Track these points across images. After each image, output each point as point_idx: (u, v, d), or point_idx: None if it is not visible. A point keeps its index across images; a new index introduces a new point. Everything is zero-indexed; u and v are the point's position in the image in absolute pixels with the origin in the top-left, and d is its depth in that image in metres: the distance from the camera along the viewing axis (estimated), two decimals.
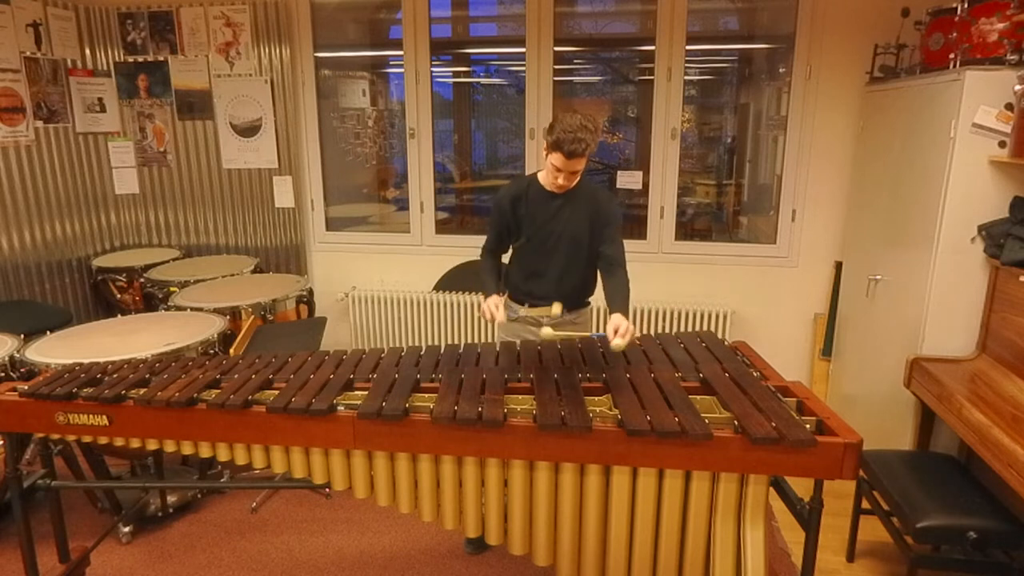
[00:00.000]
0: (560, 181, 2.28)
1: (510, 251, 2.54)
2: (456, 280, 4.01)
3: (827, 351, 3.64)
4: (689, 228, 4.02)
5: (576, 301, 2.52)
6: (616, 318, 2.05)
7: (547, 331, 2.12)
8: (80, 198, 4.02)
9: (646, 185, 3.81)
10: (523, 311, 2.50)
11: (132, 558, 2.61)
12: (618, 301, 2.24)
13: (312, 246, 4.27)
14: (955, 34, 2.58)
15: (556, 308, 2.37)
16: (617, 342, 1.95)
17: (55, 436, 2.00)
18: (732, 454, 1.56)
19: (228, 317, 3.05)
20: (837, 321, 3.57)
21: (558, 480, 1.70)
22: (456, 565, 2.54)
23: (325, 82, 4.18)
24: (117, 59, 4.09)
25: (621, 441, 1.59)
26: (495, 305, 2.27)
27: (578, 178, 2.33)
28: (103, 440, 1.93)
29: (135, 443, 1.92)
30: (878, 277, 3.05)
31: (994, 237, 2.46)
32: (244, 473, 3.03)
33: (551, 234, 2.39)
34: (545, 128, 2.24)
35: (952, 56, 2.58)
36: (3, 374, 2.54)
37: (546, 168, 2.31)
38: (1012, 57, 2.38)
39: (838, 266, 3.59)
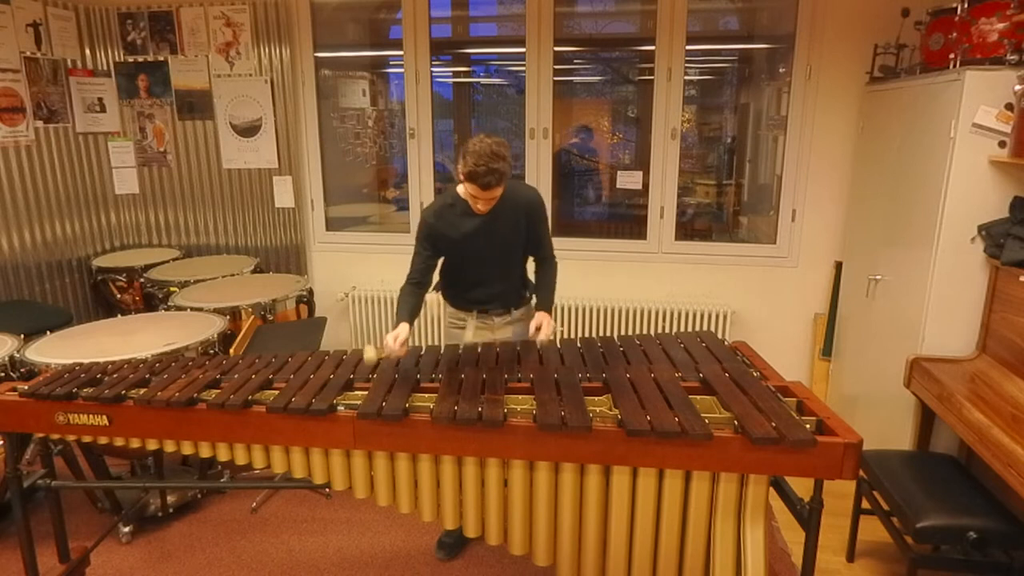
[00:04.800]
0: (480, 207, 2.24)
1: (436, 274, 2.46)
2: None
3: (827, 351, 3.64)
4: (689, 228, 4.02)
5: (519, 298, 2.52)
6: (539, 316, 2.28)
7: (468, 334, 2.12)
8: (80, 198, 4.02)
9: (646, 185, 3.81)
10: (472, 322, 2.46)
11: (132, 558, 2.61)
12: (545, 298, 2.42)
13: (312, 246, 4.27)
14: (955, 34, 2.58)
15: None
16: (542, 338, 2.16)
17: (55, 436, 2.00)
18: (732, 454, 1.56)
19: (228, 317, 3.05)
20: (837, 321, 3.57)
21: (558, 480, 1.70)
22: (457, 565, 2.54)
23: (325, 82, 4.18)
24: (117, 59, 4.09)
25: (621, 441, 1.59)
26: (395, 339, 2.07)
27: (496, 200, 2.26)
28: (103, 440, 1.93)
29: (135, 443, 1.92)
30: (878, 277, 3.05)
31: (994, 237, 2.46)
32: (244, 473, 3.03)
33: (486, 244, 2.34)
34: (460, 155, 2.16)
35: (952, 56, 2.58)
36: (3, 374, 2.54)
37: (464, 191, 2.26)
38: (1012, 57, 2.38)
39: (838, 266, 3.58)
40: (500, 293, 2.45)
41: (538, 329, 2.22)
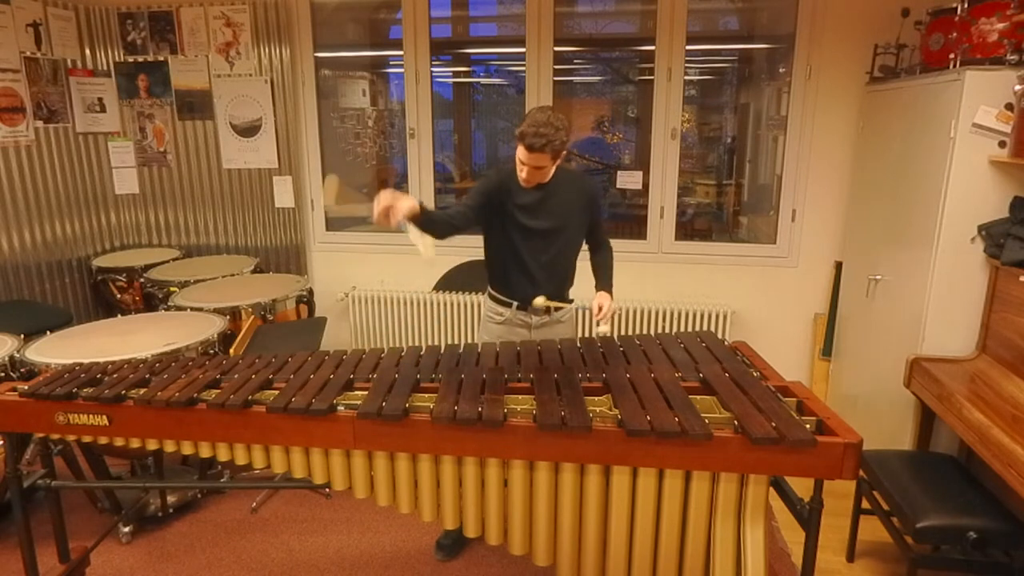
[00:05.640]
0: (523, 175, 2.25)
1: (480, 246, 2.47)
2: (456, 280, 4.01)
3: (827, 351, 3.64)
4: (689, 228, 4.02)
5: (561, 296, 2.49)
6: (601, 295, 2.37)
7: (540, 299, 2.20)
8: (80, 198, 4.02)
9: (646, 185, 3.81)
10: (510, 313, 2.47)
11: (132, 558, 2.61)
12: (605, 278, 2.50)
13: (312, 246, 4.27)
14: (955, 34, 2.58)
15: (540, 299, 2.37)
16: (603, 329, 2.15)
17: (55, 436, 2.00)
18: (732, 454, 1.56)
19: (228, 317, 3.05)
20: (837, 321, 3.57)
21: (558, 480, 1.70)
22: (457, 565, 2.54)
23: (325, 82, 4.18)
24: (117, 59, 4.09)
25: (621, 441, 1.59)
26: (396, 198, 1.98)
27: (545, 175, 2.28)
28: (103, 440, 1.93)
29: (135, 443, 1.92)
30: (878, 277, 3.05)
31: (994, 237, 2.46)
32: (244, 473, 3.03)
33: (539, 221, 2.33)
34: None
35: (952, 56, 2.58)
36: (3, 374, 2.54)
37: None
38: (1012, 57, 2.38)
39: (838, 266, 3.59)
40: (544, 283, 2.41)
41: (600, 309, 2.35)
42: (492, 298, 2.52)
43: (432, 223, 2.16)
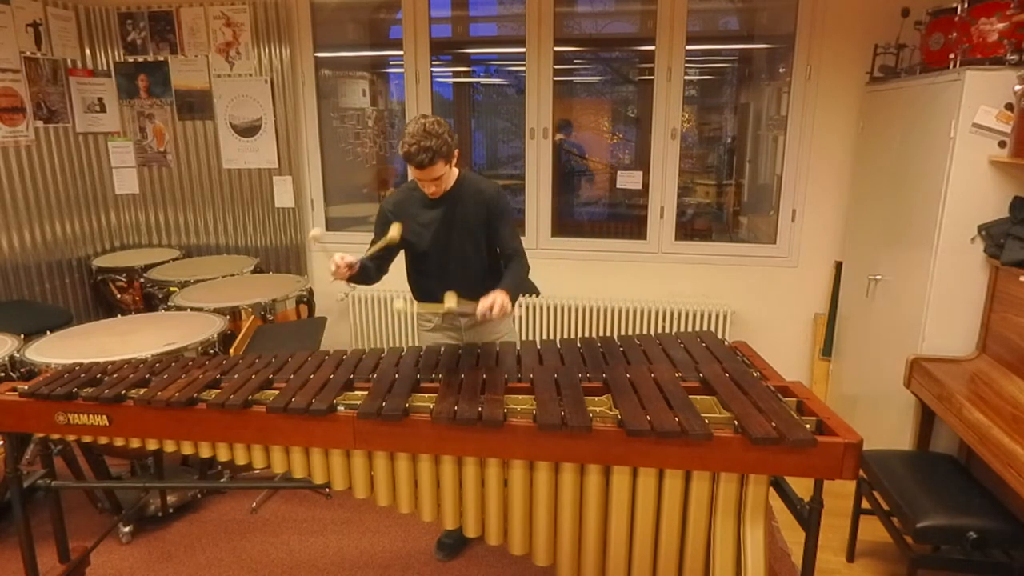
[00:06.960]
0: (428, 189, 2.23)
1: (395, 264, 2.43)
2: None
3: (827, 351, 3.64)
4: (689, 228, 4.02)
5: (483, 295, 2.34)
6: (494, 293, 2.11)
7: (451, 302, 2.03)
8: (80, 198, 4.02)
9: (646, 185, 3.81)
10: (419, 308, 2.45)
11: (132, 558, 2.61)
12: (506, 279, 2.29)
13: (312, 246, 4.27)
14: (955, 34, 2.58)
15: (450, 300, 2.10)
16: (483, 308, 2.03)
17: (55, 436, 2.00)
18: (732, 454, 1.56)
19: (228, 317, 3.05)
20: (837, 321, 3.57)
21: (558, 480, 1.70)
22: (456, 565, 2.54)
23: (325, 82, 4.18)
24: (117, 59, 4.09)
25: (621, 441, 1.59)
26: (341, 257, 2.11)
27: (448, 180, 2.25)
28: (103, 440, 1.93)
29: (135, 443, 1.92)
30: (878, 277, 3.05)
31: (994, 237, 2.46)
32: (244, 473, 3.03)
33: (446, 235, 2.30)
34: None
35: (952, 56, 2.58)
36: (3, 374, 2.54)
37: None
38: (1012, 57, 2.39)
39: (838, 266, 3.59)
40: (464, 291, 2.33)
41: (489, 307, 2.09)
42: (419, 306, 2.51)
43: (370, 271, 2.30)
